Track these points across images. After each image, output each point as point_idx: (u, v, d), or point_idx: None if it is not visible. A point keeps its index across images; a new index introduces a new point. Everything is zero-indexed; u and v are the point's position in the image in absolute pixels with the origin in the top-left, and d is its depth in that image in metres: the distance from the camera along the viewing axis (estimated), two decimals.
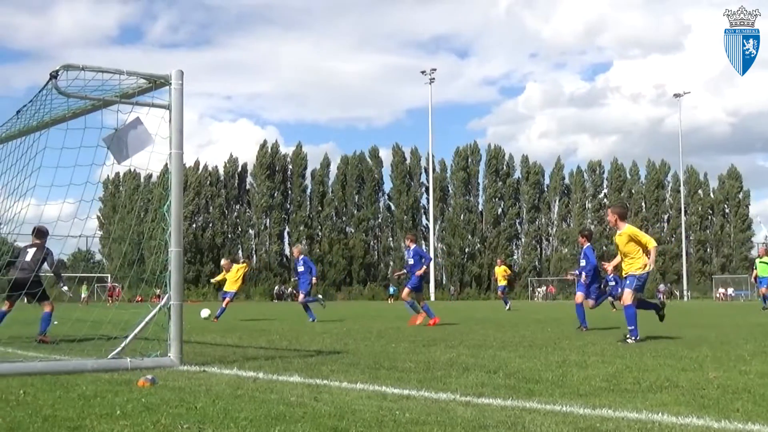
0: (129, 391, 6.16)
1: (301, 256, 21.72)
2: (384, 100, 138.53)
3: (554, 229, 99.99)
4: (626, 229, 11.92)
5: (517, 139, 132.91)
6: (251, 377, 7.18)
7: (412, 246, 18.53)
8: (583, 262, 15.58)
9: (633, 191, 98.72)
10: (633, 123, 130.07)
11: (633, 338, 11.51)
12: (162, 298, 8.68)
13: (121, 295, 56.60)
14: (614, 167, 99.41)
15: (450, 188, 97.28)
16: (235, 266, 23.05)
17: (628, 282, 11.83)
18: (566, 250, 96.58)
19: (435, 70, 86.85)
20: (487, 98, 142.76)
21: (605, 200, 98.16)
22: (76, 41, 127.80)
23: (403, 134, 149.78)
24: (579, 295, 15.58)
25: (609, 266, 13.84)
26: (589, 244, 15.76)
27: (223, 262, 24.08)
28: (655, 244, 11.97)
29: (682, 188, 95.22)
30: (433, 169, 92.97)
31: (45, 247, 12.39)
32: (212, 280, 26.50)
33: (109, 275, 67.06)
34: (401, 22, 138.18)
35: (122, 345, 8.64)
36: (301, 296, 21.31)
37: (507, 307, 31.36)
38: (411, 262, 18.09)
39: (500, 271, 32.61)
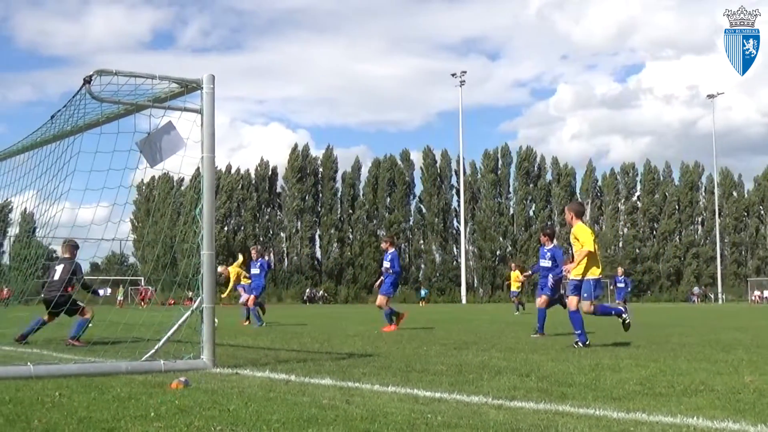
0: (163, 393, 6.20)
1: (260, 259, 20.90)
2: (415, 103, 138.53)
3: None
4: (575, 226, 11.51)
5: (548, 142, 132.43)
6: (283, 380, 7.20)
7: (391, 250, 17.95)
8: (549, 263, 14.95)
9: (667, 193, 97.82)
10: (666, 124, 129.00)
11: (581, 342, 11.23)
12: (194, 301, 8.74)
13: (154, 298, 57.09)
14: (647, 169, 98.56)
15: (482, 190, 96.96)
16: (231, 269, 22.94)
17: (585, 292, 11.30)
18: (598, 253, 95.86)
19: (465, 72, 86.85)
20: (518, 100, 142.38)
21: (638, 203, 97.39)
22: (109, 47, 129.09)
23: (433, 137, 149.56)
24: (543, 299, 14.89)
25: (568, 271, 13.52)
26: (554, 244, 15.32)
27: (220, 269, 23.36)
28: (589, 249, 11.22)
29: (716, 190, 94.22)
30: (464, 172, 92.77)
31: (74, 262, 12.47)
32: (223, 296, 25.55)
33: (142, 278, 67.58)
34: (432, 25, 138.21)
35: (156, 347, 8.71)
36: (251, 299, 20.23)
37: (518, 312, 31.06)
38: (387, 265, 17.77)
39: (513, 276, 32.48)
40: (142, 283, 65.04)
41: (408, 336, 14.27)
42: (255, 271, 20.69)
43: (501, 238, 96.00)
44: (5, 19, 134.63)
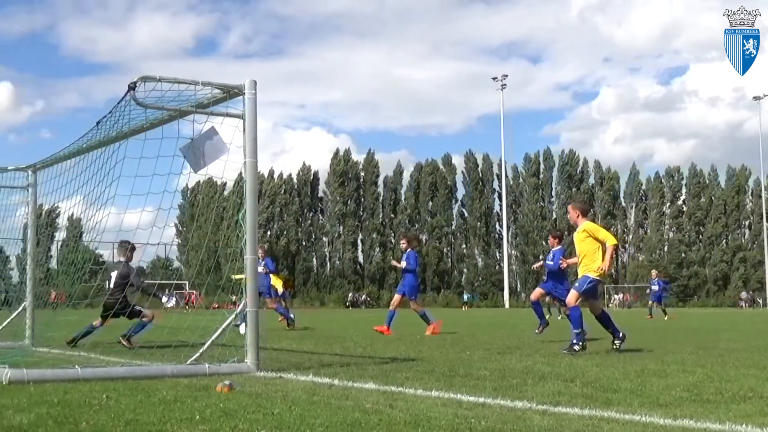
0: (207, 397, 6.25)
1: (265, 258, 20.08)
2: (456, 107, 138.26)
3: (630, 236, 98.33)
4: (584, 224, 11.11)
5: (591, 145, 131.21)
6: (327, 384, 7.21)
7: (409, 249, 17.85)
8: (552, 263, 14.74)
9: (713, 197, 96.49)
10: (711, 127, 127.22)
11: (578, 344, 10.83)
12: (238, 305, 8.80)
13: (197, 302, 57.62)
14: (692, 173, 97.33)
15: (524, 194, 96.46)
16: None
17: (578, 283, 11.05)
18: (642, 257, 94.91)
19: (506, 76, 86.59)
20: (560, 104, 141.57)
21: (684, 207, 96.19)
22: (153, 54, 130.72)
23: (475, 141, 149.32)
24: (538, 291, 14.87)
25: (566, 263, 13.29)
26: (560, 246, 14.97)
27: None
28: (615, 241, 11.00)
29: (763, 193, 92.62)
30: (506, 176, 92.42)
31: (128, 266, 12.57)
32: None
33: (186, 282, 68.27)
34: (472, 29, 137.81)
35: (200, 351, 8.78)
36: (270, 303, 19.88)
37: (551, 316, 30.75)
38: (404, 264, 17.69)
39: None
40: (187, 287, 65.68)
41: (451, 340, 14.23)
42: (260, 269, 20.35)
43: (544, 242, 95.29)
44: (52, 27, 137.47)
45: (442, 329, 17.25)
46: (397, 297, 17.77)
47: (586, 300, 11.10)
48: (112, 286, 12.41)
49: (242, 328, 10.07)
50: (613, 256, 11.11)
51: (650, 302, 32.86)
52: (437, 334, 16.52)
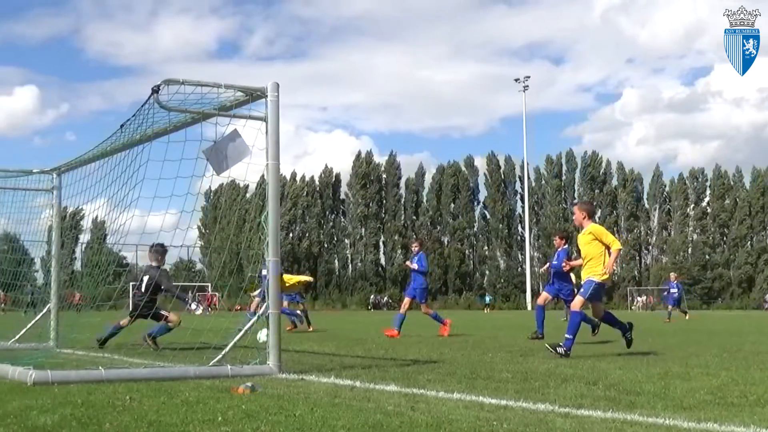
0: (230, 398, 6.27)
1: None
2: (478, 109, 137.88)
3: (654, 238, 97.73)
4: (591, 227, 10.91)
5: (614, 147, 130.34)
6: (348, 386, 7.22)
7: (420, 251, 17.91)
8: (557, 263, 14.77)
9: (737, 199, 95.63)
10: (735, 128, 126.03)
11: (564, 349, 10.51)
12: (260, 307, 8.82)
13: (219, 304, 57.78)
14: (716, 174, 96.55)
15: (546, 195, 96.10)
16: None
17: (583, 288, 10.81)
18: (666, 258, 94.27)
19: (529, 77, 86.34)
20: (583, 105, 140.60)
21: (708, 208, 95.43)
22: (177, 57, 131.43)
23: (497, 143, 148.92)
24: (544, 296, 14.87)
25: (568, 265, 13.14)
26: (566, 246, 14.93)
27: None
28: (620, 246, 10.93)
29: None
30: (528, 177, 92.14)
31: (161, 270, 12.57)
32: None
33: (209, 284, 68.51)
34: (495, 30, 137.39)
35: (223, 353, 8.82)
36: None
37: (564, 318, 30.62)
38: (415, 266, 17.66)
39: None
40: (209, 289, 65.91)
41: (473, 343, 14.20)
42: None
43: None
44: (77, 31, 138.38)
45: (454, 330, 17.30)
46: (407, 300, 17.74)
47: (589, 302, 10.99)
48: (143, 289, 12.45)
49: (262, 335, 10.08)
50: (617, 259, 11.00)
51: (669, 306, 32.15)
52: (446, 335, 16.68)
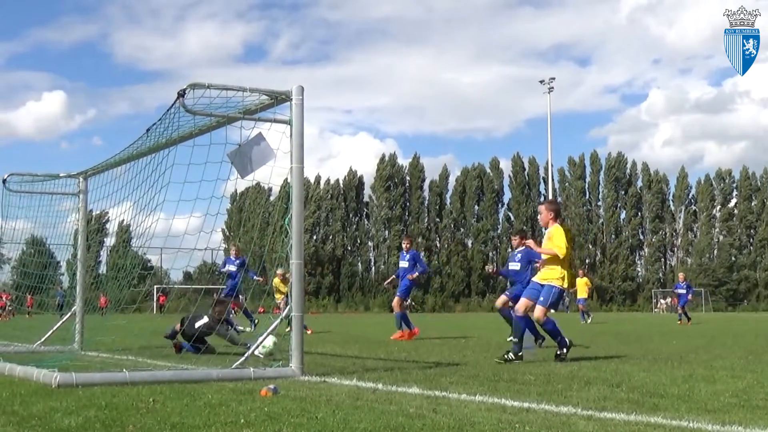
0: (252, 401, 6.30)
1: (240, 257, 19.49)
2: (503, 111, 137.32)
3: (679, 240, 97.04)
4: (552, 227, 10.50)
5: (640, 148, 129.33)
6: (371, 388, 7.23)
7: (411, 249, 17.64)
8: (518, 266, 13.82)
9: (765, 200, 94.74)
10: (763, 128, 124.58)
11: (565, 347, 10.33)
12: (283, 310, 8.85)
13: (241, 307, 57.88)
14: (744, 175, 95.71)
15: (570, 197, 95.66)
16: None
17: (543, 296, 10.24)
18: (691, 260, 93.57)
19: (554, 79, 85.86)
20: (609, 106, 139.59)
21: (735, 210, 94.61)
22: (203, 61, 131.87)
23: (522, 145, 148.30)
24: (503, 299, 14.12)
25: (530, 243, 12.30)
26: (525, 246, 13.60)
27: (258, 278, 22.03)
28: (564, 253, 10.25)
29: None
30: (552, 179, 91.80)
31: (214, 320, 11.86)
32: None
33: (261, 281, 68.75)
34: (520, 32, 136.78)
35: (246, 355, 8.86)
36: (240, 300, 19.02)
37: (588, 321, 30.40)
38: (405, 265, 17.36)
39: (582, 283, 31.67)
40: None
41: (496, 345, 14.17)
42: (233, 268, 19.45)
43: (590, 246, 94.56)
44: (105, 37, 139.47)
45: (475, 333, 17.06)
46: (397, 300, 17.47)
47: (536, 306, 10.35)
48: (194, 329, 11.80)
49: (267, 342, 9.98)
50: (546, 253, 10.38)
51: (679, 308, 31.21)
52: (404, 340, 16.15)
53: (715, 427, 5.04)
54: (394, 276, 17.37)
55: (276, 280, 21.27)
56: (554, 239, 10.39)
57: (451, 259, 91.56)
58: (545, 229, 10.73)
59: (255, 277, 20.78)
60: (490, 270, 15.65)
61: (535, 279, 10.67)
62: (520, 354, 10.29)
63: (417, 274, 17.37)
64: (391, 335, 16.93)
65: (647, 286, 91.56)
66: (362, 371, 9.00)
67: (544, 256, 10.48)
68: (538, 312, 10.26)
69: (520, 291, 12.54)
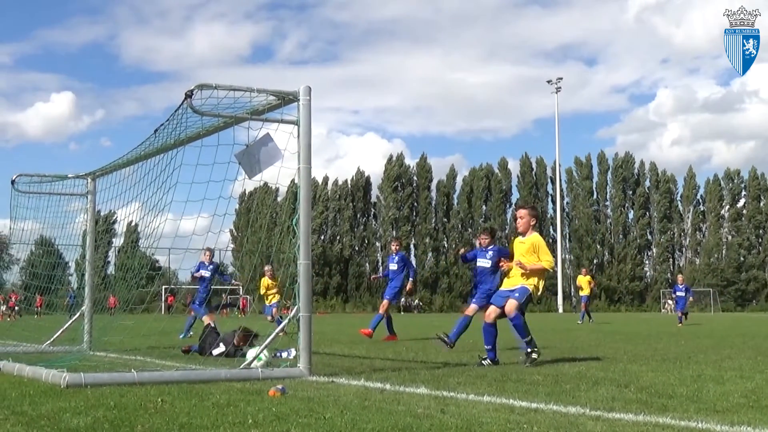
0: (260, 401, 6.31)
1: (212, 263, 18.61)
2: (511, 111, 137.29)
3: (688, 240, 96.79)
4: (533, 236, 10.10)
5: (648, 148, 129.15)
6: (378, 388, 7.23)
7: (399, 251, 17.59)
8: (488, 263, 12.86)
9: None
10: None
11: (534, 350, 9.89)
12: (291, 310, 8.86)
13: (249, 307, 58.04)
14: (752, 175, 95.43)
15: (578, 197, 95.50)
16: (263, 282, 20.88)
17: (518, 293, 9.88)
18: (699, 260, 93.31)
19: (561, 79, 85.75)
20: (616, 106, 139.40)
21: (744, 210, 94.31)
22: (210, 62, 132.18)
23: (530, 145, 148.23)
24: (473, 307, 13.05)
25: (506, 266, 11.47)
26: (495, 245, 13.20)
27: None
28: (552, 266, 10.04)
29: None
30: (560, 179, 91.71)
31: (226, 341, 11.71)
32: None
33: (240, 286, 68.85)
34: (528, 32, 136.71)
35: (254, 355, 8.87)
36: (206, 318, 18.29)
37: (590, 321, 30.28)
38: (394, 267, 17.28)
39: (585, 281, 31.51)
40: (241, 293, 66.22)
41: (503, 345, 14.13)
42: (206, 274, 18.31)
43: (598, 246, 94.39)
44: (113, 37, 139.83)
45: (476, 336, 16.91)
46: (385, 302, 17.46)
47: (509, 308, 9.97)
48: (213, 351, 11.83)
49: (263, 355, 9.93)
50: (538, 273, 10.00)
51: (679, 311, 30.73)
52: (368, 337, 16.17)
53: (724, 427, 5.03)
54: (383, 276, 17.29)
55: (265, 279, 21.01)
56: (541, 253, 10.01)
57: (459, 260, 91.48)
58: (523, 235, 10.25)
59: (231, 280, 20.78)
60: (462, 251, 14.75)
61: (504, 287, 10.28)
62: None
63: (411, 280, 17.39)
64: (382, 337, 16.75)
65: (655, 286, 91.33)
66: (370, 371, 9.00)
67: (535, 267, 9.97)
68: (510, 305, 9.87)
69: (485, 293, 12.31)
